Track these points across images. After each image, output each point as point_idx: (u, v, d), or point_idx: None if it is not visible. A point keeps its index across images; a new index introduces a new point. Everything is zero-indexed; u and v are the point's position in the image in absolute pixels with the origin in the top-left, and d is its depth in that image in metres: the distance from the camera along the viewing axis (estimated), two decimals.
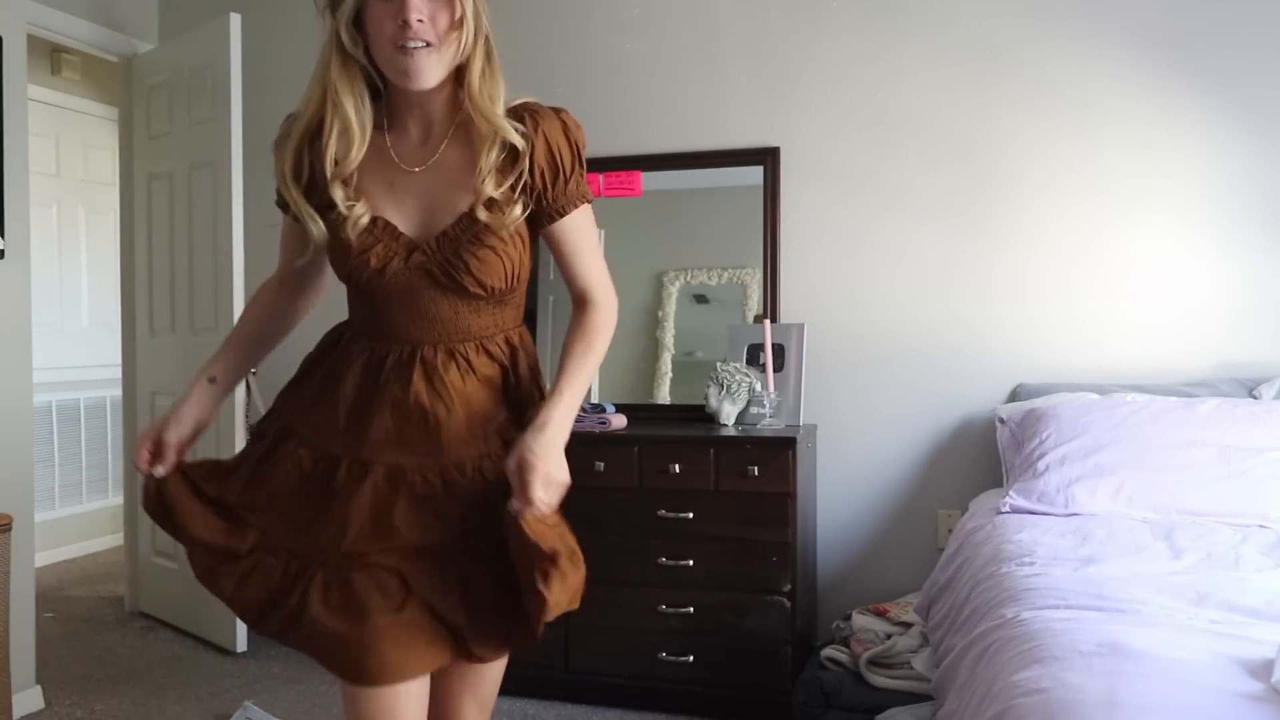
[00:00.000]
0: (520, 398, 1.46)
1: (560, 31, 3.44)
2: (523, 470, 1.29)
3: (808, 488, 2.95)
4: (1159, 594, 1.74)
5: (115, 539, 4.69)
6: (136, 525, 3.82)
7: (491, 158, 1.35)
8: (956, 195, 3.10)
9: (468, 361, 1.41)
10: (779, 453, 2.71)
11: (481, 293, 1.37)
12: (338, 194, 1.36)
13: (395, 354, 1.40)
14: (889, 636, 2.65)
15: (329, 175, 1.37)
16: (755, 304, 3.25)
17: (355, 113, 1.36)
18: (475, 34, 1.34)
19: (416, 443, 1.39)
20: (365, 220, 1.37)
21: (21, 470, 2.91)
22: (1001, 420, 2.86)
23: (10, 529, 2.62)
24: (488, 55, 1.36)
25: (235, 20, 3.28)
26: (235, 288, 3.28)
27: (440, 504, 1.39)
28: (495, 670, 1.52)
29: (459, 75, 1.36)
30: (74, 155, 4.89)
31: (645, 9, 3.37)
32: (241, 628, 3.30)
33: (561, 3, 3.45)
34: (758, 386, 2.98)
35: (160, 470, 1.46)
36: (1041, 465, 2.57)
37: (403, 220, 1.39)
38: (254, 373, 3.39)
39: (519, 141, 1.35)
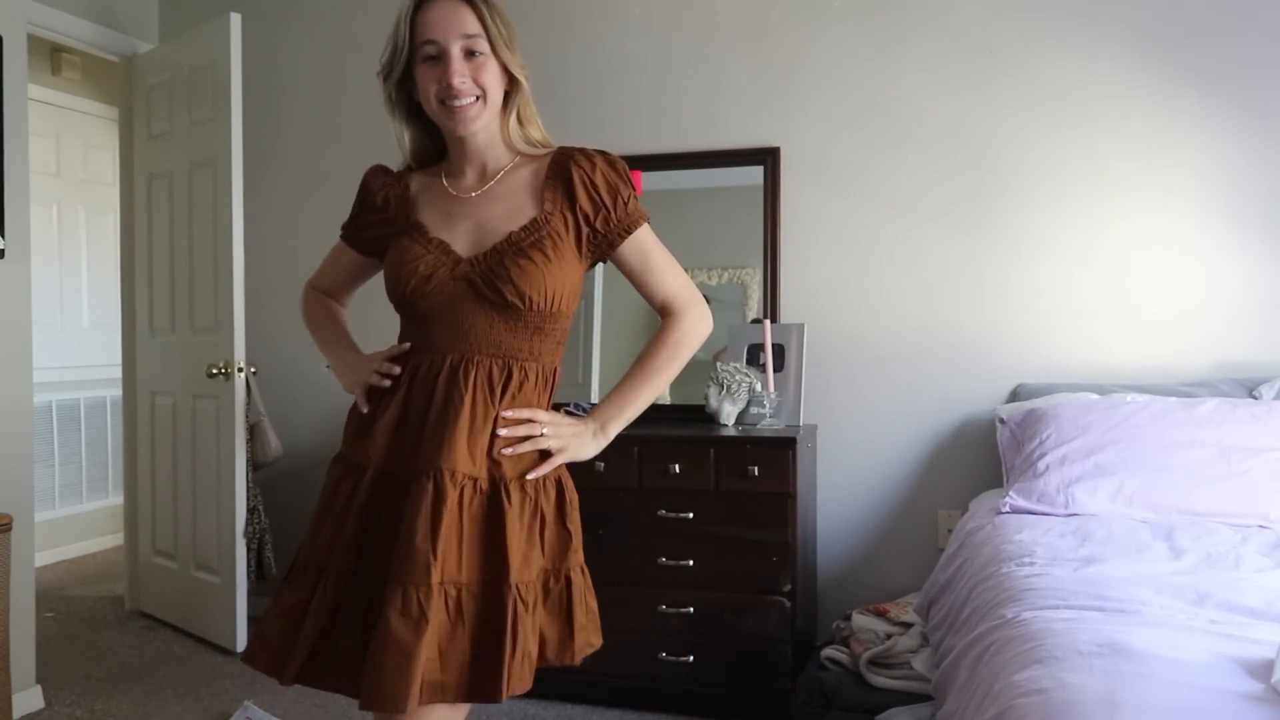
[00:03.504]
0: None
1: (561, 32, 3.44)
2: (535, 418, 1.42)
3: (808, 488, 2.95)
4: (1159, 594, 1.74)
5: (115, 539, 4.69)
6: (136, 525, 3.82)
7: (542, 183, 1.47)
8: (956, 195, 3.10)
9: (488, 375, 1.42)
10: (779, 453, 2.71)
11: (519, 303, 1.41)
12: (403, 221, 1.51)
13: (426, 365, 1.44)
14: (889, 636, 2.65)
15: (401, 204, 1.53)
16: (755, 304, 3.26)
17: (414, 152, 1.56)
18: (513, 83, 1.48)
19: (413, 448, 1.40)
20: (423, 235, 1.47)
21: (21, 470, 2.91)
22: (1001, 420, 2.86)
23: (10, 529, 2.61)
24: (526, 98, 1.50)
25: (235, 20, 3.28)
26: (235, 288, 3.28)
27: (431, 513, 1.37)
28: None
29: (504, 116, 1.50)
30: (74, 155, 4.89)
31: (645, 10, 3.38)
32: (242, 628, 3.30)
33: (562, 4, 3.46)
34: (758, 386, 2.98)
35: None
36: (1041, 465, 2.57)
37: (455, 241, 1.47)
38: (254, 372, 3.38)
39: (571, 174, 1.47)
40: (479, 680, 1.33)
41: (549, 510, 1.44)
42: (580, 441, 1.47)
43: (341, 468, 1.48)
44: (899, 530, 3.15)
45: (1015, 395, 3.02)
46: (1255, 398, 2.74)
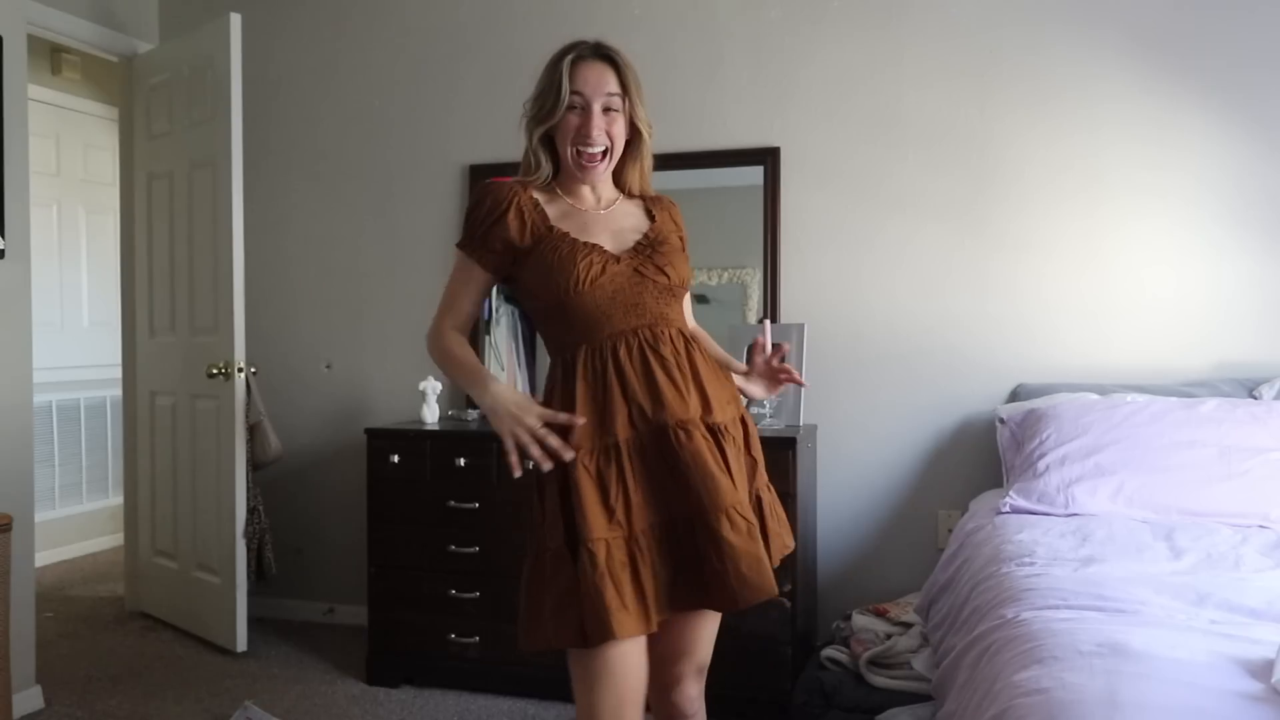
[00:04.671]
0: (715, 374, 1.73)
1: (561, 33, 3.41)
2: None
3: (808, 488, 2.95)
4: (1159, 594, 1.74)
5: (115, 539, 4.69)
6: (136, 525, 3.82)
7: (648, 210, 1.80)
8: (956, 195, 3.10)
9: (678, 339, 1.69)
10: (779, 453, 2.71)
11: (679, 285, 1.72)
12: (545, 230, 1.71)
13: (621, 342, 1.65)
14: (889, 636, 2.64)
15: (538, 215, 1.73)
16: (755, 304, 3.26)
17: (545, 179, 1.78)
18: (635, 133, 1.75)
19: (667, 405, 1.62)
20: (580, 241, 1.69)
21: (21, 470, 2.91)
22: (1001, 420, 2.86)
23: (10, 529, 2.61)
24: (647, 149, 1.78)
25: (235, 20, 3.28)
26: (235, 288, 3.28)
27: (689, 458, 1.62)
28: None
29: (625, 160, 1.78)
30: (74, 155, 4.89)
31: (646, 10, 3.38)
32: (242, 628, 3.30)
33: (562, 4, 3.46)
34: None
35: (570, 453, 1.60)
36: (1041, 465, 2.57)
37: (603, 244, 1.70)
38: (254, 372, 3.39)
39: (665, 207, 1.83)
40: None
41: (740, 443, 1.71)
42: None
43: (588, 455, 1.61)
44: (899, 530, 3.15)
45: (1015, 395, 3.02)
46: (1255, 398, 2.74)
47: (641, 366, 1.64)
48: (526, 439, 1.59)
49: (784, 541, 1.74)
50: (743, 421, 1.74)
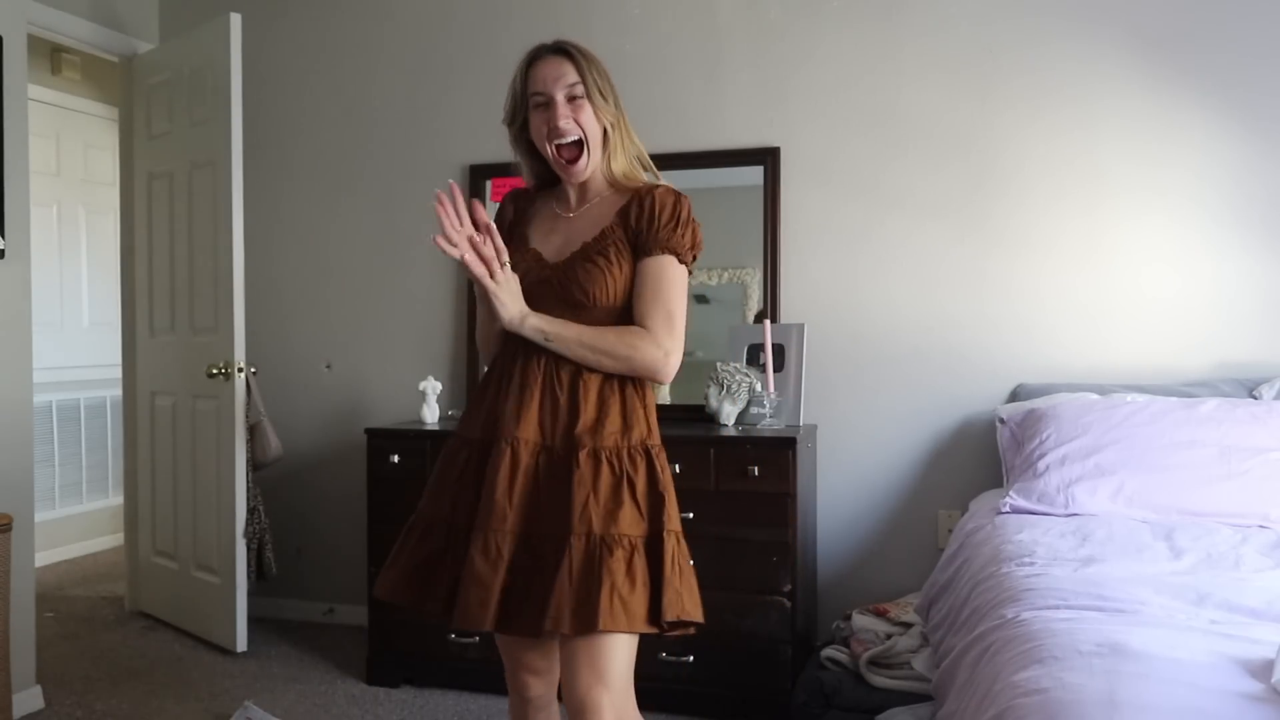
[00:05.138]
0: (604, 401, 1.67)
1: (560, 32, 3.43)
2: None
3: (808, 488, 2.95)
4: (1159, 594, 1.74)
5: (115, 539, 4.69)
6: (136, 525, 3.82)
7: (621, 207, 1.72)
8: (957, 195, 3.10)
9: (556, 361, 1.66)
10: (779, 453, 2.71)
11: (585, 300, 1.66)
12: (514, 235, 1.79)
13: (509, 353, 1.71)
14: (889, 636, 2.65)
15: (515, 221, 1.82)
16: (755, 304, 3.26)
17: (536, 179, 1.84)
18: (614, 129, 1.73)
19: (526, 422, 1.64)
20: (524, 245, 1.75)
21: (21, 470, 2.91)
22: (1001, 420, 2.86)
23: (10, 529, 2.62)
24: (621, 141, 1.74)
25: (235, 20, 3.28)
26: (235, 288, 3.28)
27: (538, 479, 1.64)
28: (615, 644, 1.59)
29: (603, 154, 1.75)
30: (74, 155, 4.89)
31: (646, 9, 3.38)
32: (242, 628, 3.30)
33: (562, 3, 3.46)
34: (758, 386, 2.98)
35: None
36: (1041, 465, 2.57)
37: (547, 251, 1.74)
38: (254, 372, 3.38)
39: (641, 198, 1.71)
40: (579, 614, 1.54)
41: (639, 478, 1.64)
42: (512, 301, 1.64)
43: (456, 441, 1.74)
44: (899, 530, 3.15)
45: (1015, 395, 3.02)
46: (1255, 398, 2.74)
47: (520, 378, 1.67)
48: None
49: (682, 605, 1.58)
50: (647, 455, 1.67)
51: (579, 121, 1.69)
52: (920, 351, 3.14)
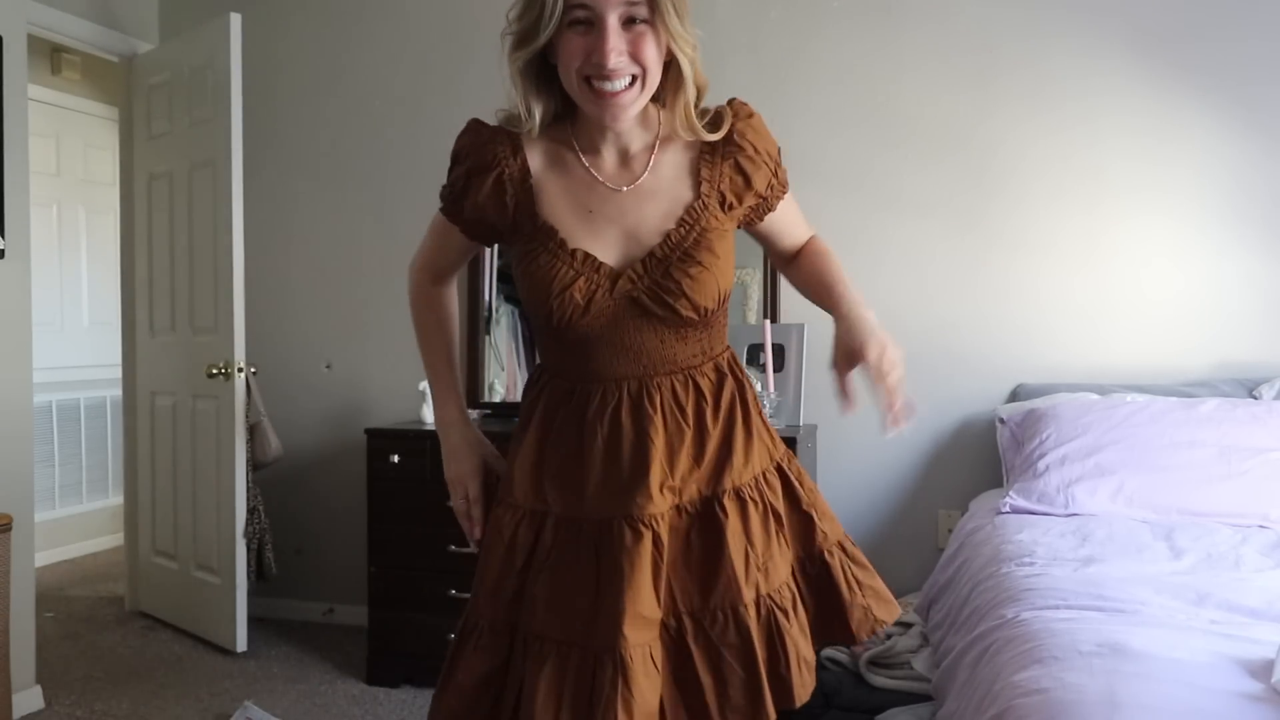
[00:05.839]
0: (730, 429, 1.31)
1: None
2: (865, 349, 1.27)
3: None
4: (1159, 594, 1.75)
5: (115, 539, 4.69)
6: (136, 525, 3.82)
7: (698, 159, 1.29)
8: (956, 194, 3.10)
9: (673, 395, 1.28)
10: None
11: (695, 316, 1.26)
12: (528, 221, 1.26)
13: (598, 395, 1.27)
14: (889, 636, 2.64)
15: (522, 194, 1.26)
16: (755, 304, 3.25)
17: (544, 124, 1.27)
18: (683, 60, 1.22)
19: (628, 490, 1.24)
20: (563, 247, 1.24)
21: (21, 470, 2.91)
22: (1001, 420, 2.86)
23: (10, 529, 2.62)
24: (690, 78, 1.25)
25: (235, 20, 3.28)
26: (235, 288, 3.28)
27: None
28: None
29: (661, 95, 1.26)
30: (74, 155, 4.89)
31: None
32: (242, 628, 3.30)
33: None
34: (758, 386, 2.97)
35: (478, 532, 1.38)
36: (1041, 465, 2.57)
37: (602, 249, 1.25)
38: (254, 372, 3.38)
39: (735, 141, 1.30)
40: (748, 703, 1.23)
41: (778, 503, 1.31)
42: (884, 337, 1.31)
43: (513, 514, 1.30)
44: (899, 530, 3.15)
45: (1015, 395, 3.02)
46: (1255, 398, 2.74)
47: (610, 431, 1.25)
48: (460, 511, 1.40)
49: (872, 616, 1.32)
50: (780, 473, 1.35)
51: (638, 57, 1.17)
52: (920, 351, 3.12)
